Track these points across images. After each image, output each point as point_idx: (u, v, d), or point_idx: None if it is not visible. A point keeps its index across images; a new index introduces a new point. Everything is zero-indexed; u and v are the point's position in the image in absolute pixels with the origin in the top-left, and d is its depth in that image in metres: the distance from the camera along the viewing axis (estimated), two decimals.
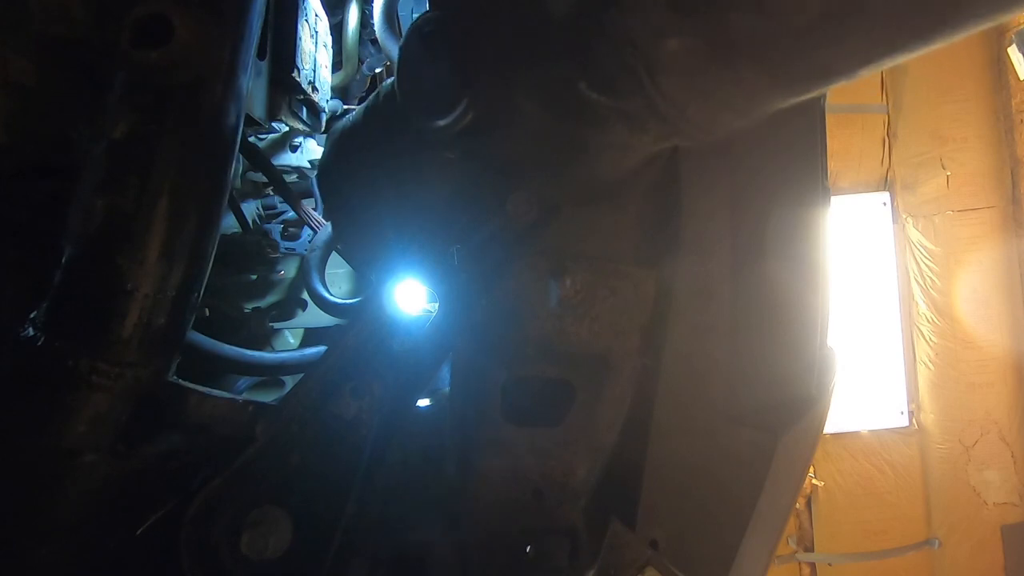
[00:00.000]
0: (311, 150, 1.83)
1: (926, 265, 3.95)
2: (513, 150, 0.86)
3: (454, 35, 0.85)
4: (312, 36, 1.51)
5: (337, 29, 1.94)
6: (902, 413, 4.02)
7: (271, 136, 1.74)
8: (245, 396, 0.96)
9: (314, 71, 1.53)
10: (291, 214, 1.74)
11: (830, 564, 4.05)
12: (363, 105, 1.06)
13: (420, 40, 0.87)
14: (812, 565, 4.10)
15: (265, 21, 1.13)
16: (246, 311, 1.59)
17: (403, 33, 0.94)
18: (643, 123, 0.71)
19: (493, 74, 0.81)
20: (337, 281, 1.75)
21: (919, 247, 3.97)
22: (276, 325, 1.71)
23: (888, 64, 0.62)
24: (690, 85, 0.66)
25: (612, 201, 0.91)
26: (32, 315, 0.84)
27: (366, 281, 1.72)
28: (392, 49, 1.67)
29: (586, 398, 0.91)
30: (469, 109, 0.81)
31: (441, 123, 0.83)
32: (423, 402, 1.18)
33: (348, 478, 0.93)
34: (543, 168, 0.87)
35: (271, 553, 0.87)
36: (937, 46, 0.57)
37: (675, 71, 0.65)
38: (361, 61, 2.15)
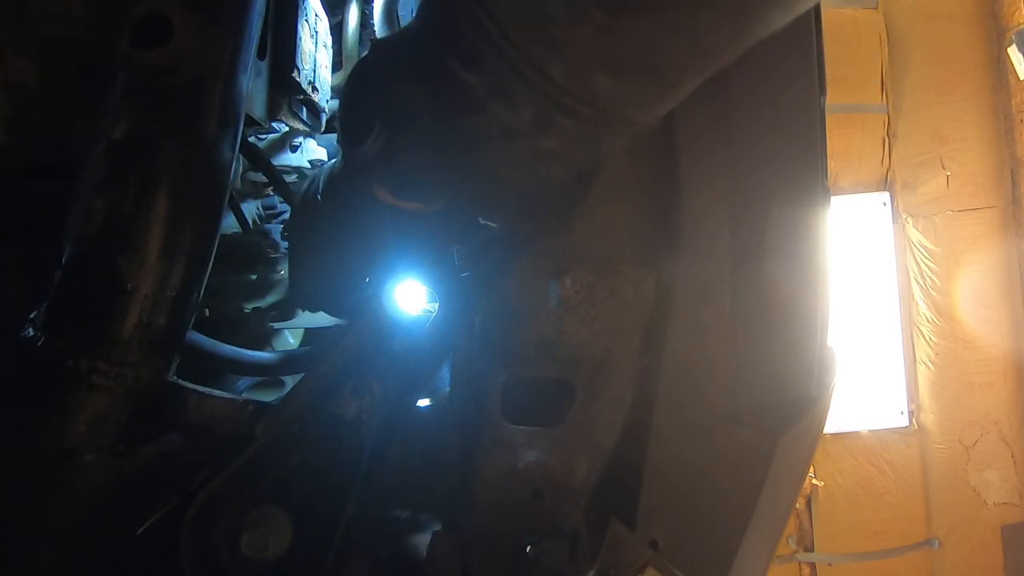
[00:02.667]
0: (311, 150, 1.83)
1: (926, 265, 3.95)
2: (424, 161, 0.81)
3: (372, 60, 0.84)
4: (312, 36, 1.51)
5: (337, 29, 1.94)
6: (902, 413, 4.02)
7: (271, 136, 1.74)
8: (245, 396, 0.96)
9: (314, 71, 1.53)
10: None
11: (830, 564, 4.05)
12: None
13: (349, 79, 0.88)
14: (812, 565, 4.10)
15: (265, 21, 1.13)
16: (246, 311, 1.59)
17: None
18: (513, 95, 0.67)
19: (395, 85, 0.78)
20: None
21: (919, 247, 3.97)
22: (276, 325, 1.71)
23: None
24: (540, 35, 0.62)
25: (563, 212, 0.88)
26: (32, 315, 0.84)
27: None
28: None
29: (586, 398, 0.92)
30: (382, 130, 0.78)
31: (362, 150, 0.80)
32: (423, 402, 1.18)
33: (348, 478, 0.93)
34: (462, 179, 0.82)
35: (271, 553, 0.87)
36: None
37: (520, 19, 0.62)
38: None
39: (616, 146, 0.86)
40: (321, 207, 1.09)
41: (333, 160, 1.08)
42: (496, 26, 0.62)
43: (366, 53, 0.95)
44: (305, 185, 1.15)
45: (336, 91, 2.00)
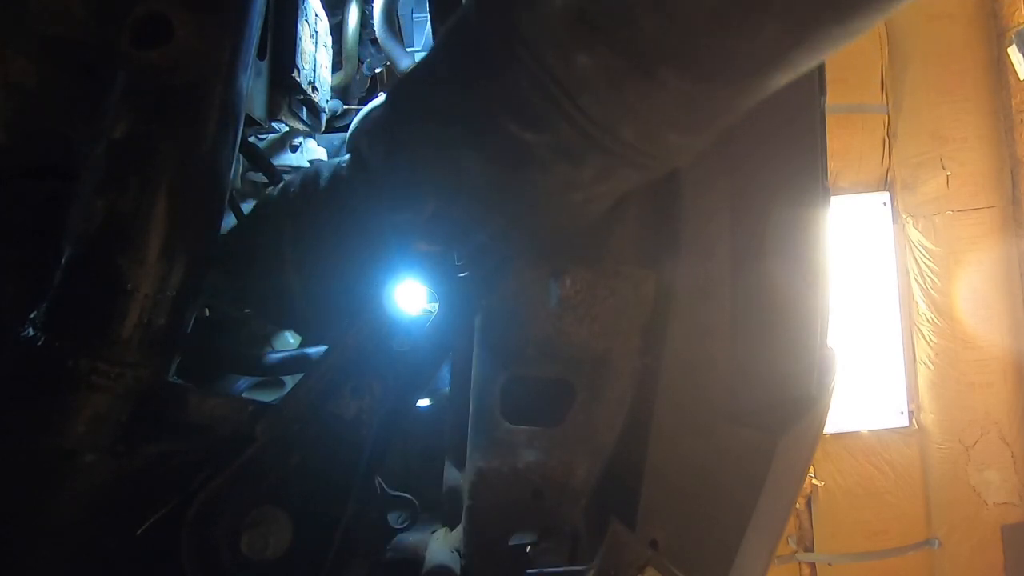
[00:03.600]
0: (311, 150, 1.83)
1: (926, 265, 3.95)
2: (475, 218, 0.82)
3: (401, 134, 0.83)
4: (312, 36, 1.51)
5: (337, 29, 1.94)
6: (902, 413, 4.01)
7: (271, 136, 1.74)
8: (245, 396, 0.96)
9: (314, 71, 1.53)
10: None
11: (830, 564, 4.05)
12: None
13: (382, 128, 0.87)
14: (812, 565, 4.10)
15: (265, 21, 1.13)
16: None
17: (403, 33, 0.94)
18: (580, 155, 0.67)
19: (445, 149, 0.77)
20: None
21: (919, 247, 3.97)
22: None
23: (807, 58, 0.60)
24: (614, 102, 0.62)
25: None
26: (32, 315, 0.84)
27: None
28: (392, 49, 1.67)
29: (586, 398, 0.92)
30: (429, 200, 0.79)
31: (411, 218, 0.82)
32: (423, 402, 1.18)
33: (348, 478, 0.93)
34: (510, 229, 0.83)
35: (271, 553, 0.87)
36: (853, 32, 0.57)
37: (594, 89, 0.61)
38: (361, 61, 2.15)
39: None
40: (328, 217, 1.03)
41: (330, 167, 1.04)
42: (566, 94, 0.62)
43: (382, 102, 0.94)
44: (297, 182, 1.09)
45: (336, 92, 2.01)
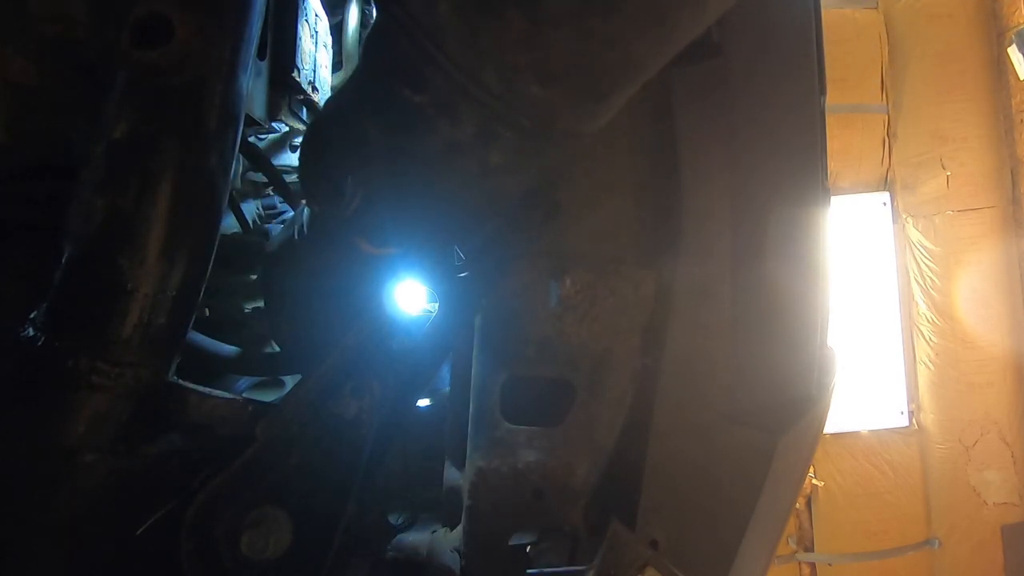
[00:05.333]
0: None
1: (926, 265, 3.95)
2: (396, 204, 0.83)
3: (327, 115, 0.86)
4: (312, 36, 1.51)
5: (337, 29, 1.94)
6: (902, 413, 4.02)
7: (271, 136, 1.74)
8: (245, 396, 0.96)
9: (314, 71, 1.53)
10: (291, 214, 1.74)
11: (830, 564, 4.05)
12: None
13: (305, 143, 0.91)
14: (812, 565, 4.10)
15: (265, 21, 1.13)
16: (246, 311, 1.59)
17: None
18: (454, 107, 0.69)
19: (354, 126, 0.80)
20: None
21: (919, 247, 3.97)
22: None
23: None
24: (471, 45, 0.64)
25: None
26: (32, 315, 0.84)
27: None
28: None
29: (586, 398, 0.92)
30: (356, 186, 0.81)
31: (339, 211, 0.83)
32: (423, 402, 1.18)
33: (348, 478, 0.93)
34: (428, 215, 0.84)
35: (271, 553, 0.87)
36: None
37: (454, 33, 0.64)
38: None
39: (563, 158, 0.87)
40: (307, 249, 1.07)
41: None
42: (433, 43, 0.65)
43: (319, 113, 0.98)
44: (281, 235, 1.15)
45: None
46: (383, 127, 0.76)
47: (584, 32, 0.62)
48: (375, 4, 0.75)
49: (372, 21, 0.79)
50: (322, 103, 1.62)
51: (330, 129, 0.87)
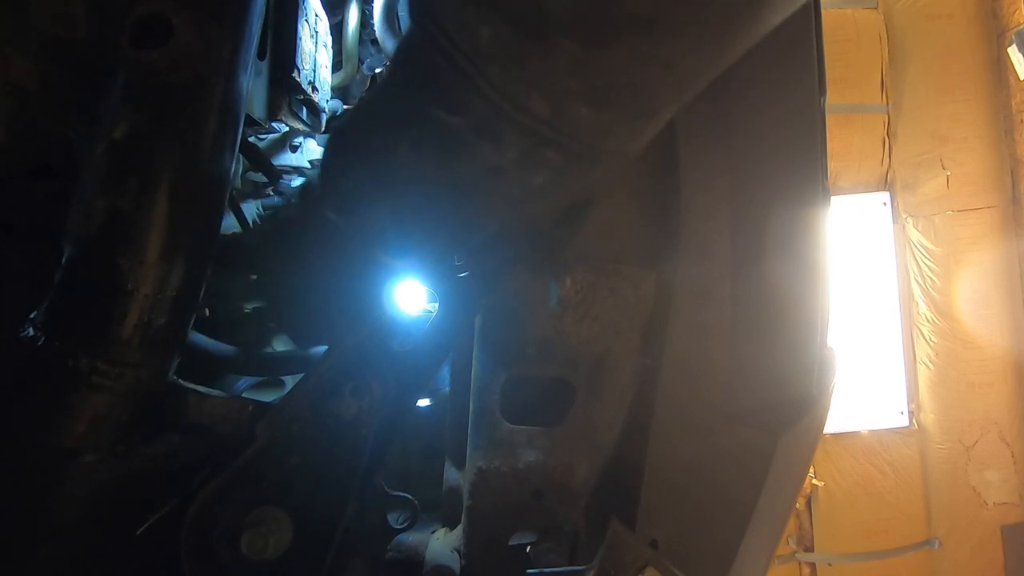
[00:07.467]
0: (311, 150, 1.83)
1: (926, 265, 3.95)
2: (424, 224, 0.83)
3: (353, 133, 0.85)
4: (312, 36, 1.51)
5: (337, 29, 1.94)
6: (902, 413, 4.02)
7: (271, 136, 1.74)
8: (245, 396, 0.96)
9: (314, 71, 1.53)
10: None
11: (830, 564, 4.05)
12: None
13: (328, 154, 0.90)
14: (812, 565, 4.10)
15: (265, 21, 1.13)
16: (246, 311, 1.59)
17: (403, 33, 0.95)
18: (497, 133, 0.68)
19: (384, 146, 0.79)
20: None
21: (919, 247, 3.97)
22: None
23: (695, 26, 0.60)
24: (517, 72, 0.63)
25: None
26: (32, 315, 0.84)
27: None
28: (392, 49, 1.67)
29: (586, 398, 0.92)
30: (384, 208, 0.80)
31: (364, 228, 0.83)
32: (423, 402, 1.18)
33: (348, 478, 0.93)
34: (456, 226, 0.84)
35: (271, 553, 0.87)
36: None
37: (498, 61, 0.62)
38: (361, 61, 2.15)
39: (605, 176, 0.86)
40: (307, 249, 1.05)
41: (303, 189, 1.07)
42: (476, 69, 0.63)
43: (341, 121, 0.98)
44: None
45: (336, 92, 2.01)
46: (414, 145, 0.74)
47: (642, 56, 0.61)
48: (404, 15, 0.73)
49: (391, 27, 0.76)
50: (323, 103, 1.62)
51: (356, 141, 0.85)
